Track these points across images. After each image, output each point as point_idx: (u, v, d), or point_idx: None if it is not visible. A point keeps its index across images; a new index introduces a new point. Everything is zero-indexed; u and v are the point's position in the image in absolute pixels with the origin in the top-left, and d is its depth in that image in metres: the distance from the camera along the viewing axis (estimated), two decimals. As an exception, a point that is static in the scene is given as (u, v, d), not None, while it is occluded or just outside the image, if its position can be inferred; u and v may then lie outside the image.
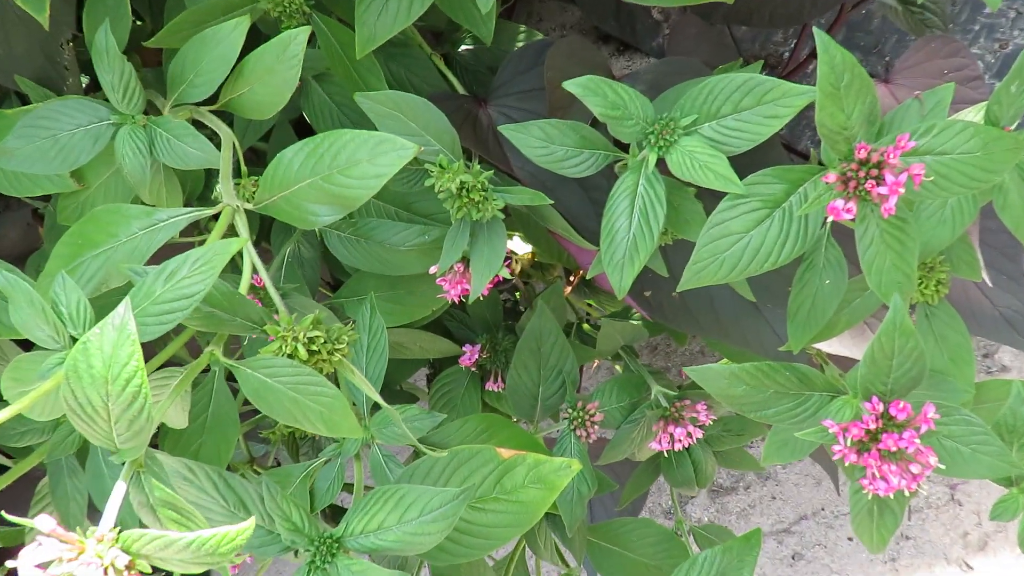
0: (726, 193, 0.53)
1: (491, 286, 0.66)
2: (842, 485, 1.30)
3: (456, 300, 0.68)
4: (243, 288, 0.49)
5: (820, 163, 0.54)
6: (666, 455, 0.81)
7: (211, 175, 0.78)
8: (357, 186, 0.47)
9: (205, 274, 0.42)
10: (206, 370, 0.61)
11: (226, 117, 0.65)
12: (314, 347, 0.46)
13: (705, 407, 0.76)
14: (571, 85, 0.55)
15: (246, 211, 0.52)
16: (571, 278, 0.96)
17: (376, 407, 0.70)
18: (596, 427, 0.76)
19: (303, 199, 0.49)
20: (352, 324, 0.49)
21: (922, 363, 0.48)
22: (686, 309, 0.74)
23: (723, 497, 1.46)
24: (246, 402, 0.88)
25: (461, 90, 0.79)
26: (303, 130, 0.94)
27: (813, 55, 1.06)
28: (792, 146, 1.18)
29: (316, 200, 0.48)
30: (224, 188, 0.53)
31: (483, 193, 0.59)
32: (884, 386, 0.50)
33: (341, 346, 0.47)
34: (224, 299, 0.46)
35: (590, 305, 0.97)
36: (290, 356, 0.46)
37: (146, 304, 0.42)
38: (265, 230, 0.83)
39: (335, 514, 0.91)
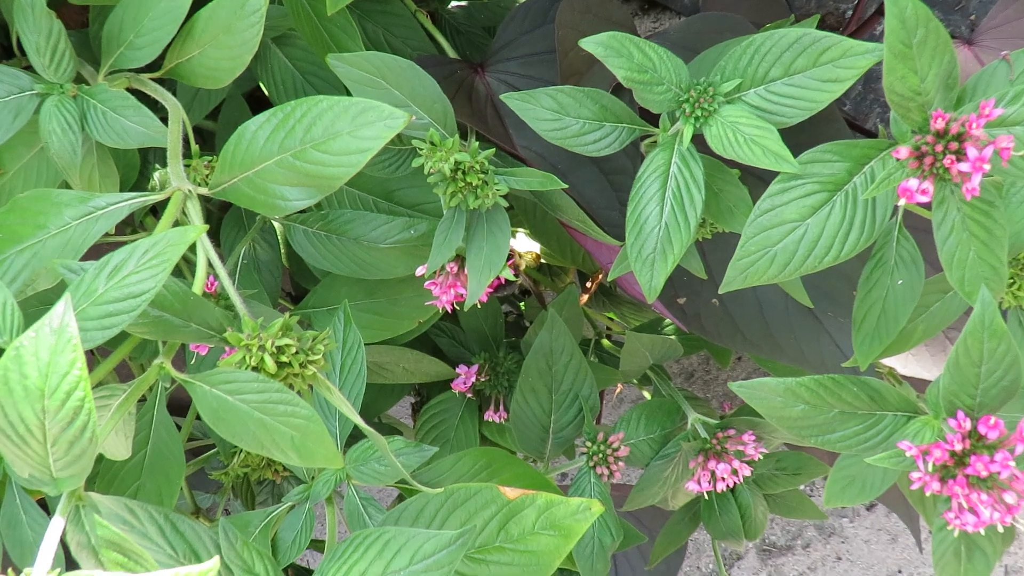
0: (776, 176, 0.55)
1: (491, 290, 0.67)
2: (925, 540, 1.31)
3: (448, 308, 0.70)
4: (197, 288, 0.51)
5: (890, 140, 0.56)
6: (706, 498, 0.83)
7: (148, 159, 0.80)
8: (335, 163, 0.49)
9: (156, 269, 0.44)
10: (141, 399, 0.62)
11: (167, 88, 0.67)
12: (284, 358, 0.48)
13: (753, 438, 0.78)
14: (589, 43, 0.57)
15: (199, 197, 0.54)
16: (588, 284, 0.98)
17: (351, 441, 0.72)
18: (621, 464, 0.78)
19: (270, 180, 0.50)
20: (328, 333, 0.50)
21: (1017, 370, 0.50)
22: (729, 319, 0.76)
23: (777, 558, 1.47)
24: (190, 439, 0.90)
25: (453, 54, 0.81)
26: (258, 107, 0.96)
27: (881, 12, 1.09)
28: (858, 123, 1.20)
29: (286, 181, 0.50)
30: (173, 170, 0.55)
31: (482, 176, 0.61)
32: (971, 399, 0.52)
33: (316, 357, 0.49)
34: (176, 301, 0.48)
35: (611, 319, 0.99)
36: (255, 369, 0.48)
37: (86, 305, 0.44)
38: (212, 228, 0.85)
39: (300, 577, 0.92)
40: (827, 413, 0.55)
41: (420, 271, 0.67)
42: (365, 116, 0.48)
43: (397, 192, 0.73)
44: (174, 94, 0.65)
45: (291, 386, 0.49)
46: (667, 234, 0.59)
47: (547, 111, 0.62)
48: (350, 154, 0.49)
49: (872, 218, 0.55)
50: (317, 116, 0.49)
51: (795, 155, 0.55)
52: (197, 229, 0.46)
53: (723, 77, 0.58)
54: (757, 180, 0.68)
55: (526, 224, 0.82)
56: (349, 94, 0.64)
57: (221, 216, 0.84)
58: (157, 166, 0.81)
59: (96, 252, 0.54)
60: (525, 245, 0.94)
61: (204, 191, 0.54)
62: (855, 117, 1.26)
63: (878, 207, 0.55)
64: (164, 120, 0.62)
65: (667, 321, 0.92)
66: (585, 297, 0.97)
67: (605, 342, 0.98)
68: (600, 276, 0.97)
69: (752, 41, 0.57)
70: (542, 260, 0.96)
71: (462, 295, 0.68)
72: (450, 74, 0.75)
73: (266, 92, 0.79)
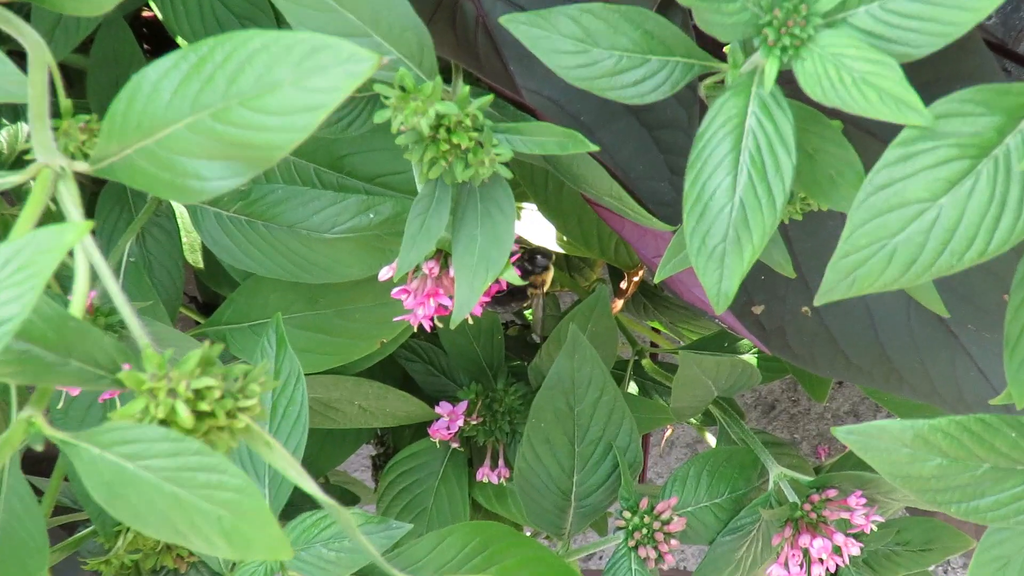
0: (897, 132, 0.56)
1: (487, 299, 0.68)
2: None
3: (428, 326, 0.70)
4: (77, 309, 0.51)
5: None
6: (798, 589, 0.83)
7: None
8: (274, 127, 0.48)
9: (22, 288, 0.44)
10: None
11: (19, 13, 0.67)
12: (204, 405, 0.48)
13: (863, 501, 0.78)
14: (628, -54, 0.57)
15: (75, 175, 0.54)
16: (623, 284, 0.99)
17: (287, 512, 0.72)
18: (674, 542, 0.79)
19: (179, 152, 0.50)
20: (265, 367, 0.51)
21: None
22: (826, 334, 0.76)
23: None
24: (56, 510, 0.91)
25: (428, -40, 0.82)
26: (149, 35, 0.97)
27: None
28: (1009, 48, 1.21)
29: (202, 153, 0.50)
30: (38, 138, 0.55)
31: (475, 135, 0.61)
32: None
33: (249, 402, 0.49)
34: (50, 329, 0.48)
35: (656, 330, 1.00)
36: (164, 423, 0.48)
37: (-72, 342, 0.44)
38: (85, 211, 0.85)
39: None
40: (974, 470, 0.56)
41: (385, 273, 0.67)
42: (316, 59, 0.48)
43: (350, 158, 0.74)
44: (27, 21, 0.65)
45: (213, 444, 0.49)
46: (743, 215, 0.59)
47: (567, 40, 0.62)
48: (295, 113, 0.48)
49: (1033, 196, 0.56)
50: (247, 59, 0.48)
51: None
52: (78, 228, 0.46)
53: (820, -10, 0.58)
54: (867, 136, 0.69)
55: (535, 200, 0.83)
56: (280, 22, 0.64)
57: (96, 192, 0.84)
58: (5, 122, 0.81)
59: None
60: (535, 229, 0.94)
61: (83, 167, 0.54)
62: (1003, 39, 1.26)
63: (1041, 179, 0.56)
64: (15, 57, 0.62)
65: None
66: (619, 302, 0.98)
67: (648, 364, 0.98)
68: (640, 272, 0.97)
69: (862, -62, 0.58)
70: (560, 250, 0.96)
71: (446, 307, 0.68)
72: (425, -12, 0.75)
73: (158, 15, 0.79)
